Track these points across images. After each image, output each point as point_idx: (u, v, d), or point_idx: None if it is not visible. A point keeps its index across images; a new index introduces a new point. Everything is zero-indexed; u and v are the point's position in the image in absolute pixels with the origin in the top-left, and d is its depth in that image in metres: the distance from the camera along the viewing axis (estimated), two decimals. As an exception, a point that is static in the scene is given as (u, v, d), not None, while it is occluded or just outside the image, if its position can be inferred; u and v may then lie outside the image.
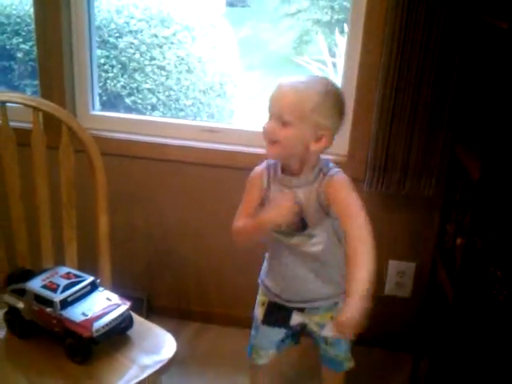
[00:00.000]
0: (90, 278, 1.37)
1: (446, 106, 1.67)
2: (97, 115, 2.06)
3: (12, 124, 1.43)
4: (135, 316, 1.39)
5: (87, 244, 1.50)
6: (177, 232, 2.07)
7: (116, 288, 1.46)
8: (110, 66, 2.90)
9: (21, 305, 1.33)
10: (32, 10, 1.93)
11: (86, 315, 1.27)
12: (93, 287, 1.36)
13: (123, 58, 2.90)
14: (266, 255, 1.47)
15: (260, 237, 1.34)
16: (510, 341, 1.36)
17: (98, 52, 2.72)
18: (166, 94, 3.01)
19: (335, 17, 4.12)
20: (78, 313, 1.27)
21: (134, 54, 2.92)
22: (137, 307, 1.60)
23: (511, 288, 1.33)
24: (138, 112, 2.96)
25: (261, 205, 1.34)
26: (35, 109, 1.46)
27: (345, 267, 1.31)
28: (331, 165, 1.32)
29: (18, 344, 1.34)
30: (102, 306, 1.31)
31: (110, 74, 2.91)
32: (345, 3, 3.87)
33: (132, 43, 2.91)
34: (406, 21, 1.61)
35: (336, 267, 1.39)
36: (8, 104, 1.43)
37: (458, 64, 1.63)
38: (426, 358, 1.78)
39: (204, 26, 3.15)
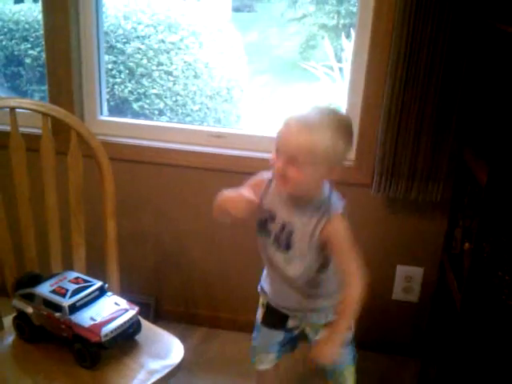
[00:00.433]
0: (99, 283, 1.38)
1: (454, 111, 1.67)
2: (104, 120, 2.07)
3: (21, 130, 1.44)
4: (143, 321, 1.39)
5: (95, 249, 1.51)
6: (184, 237, 2.08)
7: (124, 293, 1.47)
8: (118, 71, 2.92)
9: (30, 310, 1.34)
10: (40, 16, 1.95)
11: (95, 320, 1.27)
12: (101, 292, 1.37)
13: (131, 64, 2.92)
14: None
15: (229, 212, 1.30)
16: (518, 346, 1.35)
17: (106, 57, 2.74)
18: (173, 99, 3.02)
19: (341, 21, 4.12)
20: (86, 318, 1.28)
21: (141, 59, 2.93)
22: (144, 312, 1.61)
23: (520, 293, 1.33)
24: (146, 117, 2.97)
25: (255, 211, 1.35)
26: (44, 114, 1.47)
27: (336, 280, 1.35)
28: (334, 199, 1.30)
29: (26, 349, 1.34)
30: (110, 310, 1.32)
31: (118, 80, 2.92)
32: (351, 8, 3.88)
33: (139, 49, 2.93)
34: (413, 26, 1.60)
35: (322, 290, 1.39)
36: (17, 110, 1.44)
37: (465, 69, 1.63)
38: (434, 363, 1.77)
39: (211, 31, 3.17)
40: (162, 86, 2.99)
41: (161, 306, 2.16)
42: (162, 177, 2.02)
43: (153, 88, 2.97)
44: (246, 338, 1.60)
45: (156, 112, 3.01)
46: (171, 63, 2.98)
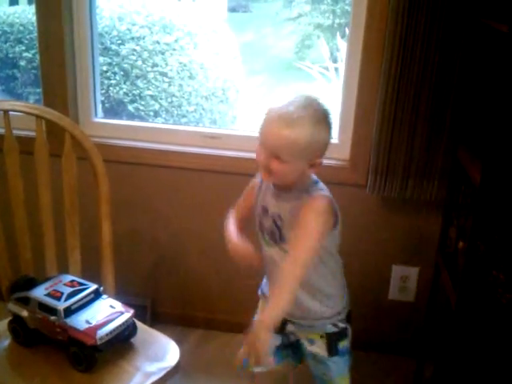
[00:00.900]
0: (94, 286, 1.38)
1: (447, 110, 1.67)
2: (99, 122, 2.07)
3: (15, 132, 1.44)
4: (139, 323, 1.39)
5: (91, 252, 1.50)
6: (180, 238, 2.08)
7: (120, 295, 1.46)
8: (113, 73, 2.92)
9: (25, 313, 1.33)
10: (35, 18, 1.95)
11: (90, 323, 1.27)
12: (96, 295, 1.37)
13: (125, 65, 2.92)
14: None
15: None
16: (513, 345, 1.35)
17: (101, 59, 2.74)
18: (169, 100, 3.02)
19: (337, 21, 4.13)
20: (81, 321, 1.28)
21: (136, 60, 2.93)
22: (140, 314, 1.61)
23: (514, 292, 1.33)
24: (141, 119, 2.97)
25: (254, 211, 1.38)
26: (38, 117, 1.47)
27: (335, 283, 1.36)
28: (320, 185, 1.31)
29: (22, 352, 1.34)
30: (105, 313, 1.32)
31: (113, 81, 2.92)
32: (346, 7, 3.88)
33: (134, 50, 2.93)
34: (406, 25, 1.61)
35: (323, 282, 1.36)
36: (11, 112, 1.44)
37: (458, 67, 1.63)
38: (430, 362, 1.78)
39: (206, 31, 3.17)
40: (157, 87, 2.99)
41: (157, 308, 2.16)
42: (157, 178, 2.02)
43: (148, 89, 2.97)
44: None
45: (151, 113, 3.01)
46: (166, 64, 2.98)
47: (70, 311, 1.29)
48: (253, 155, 1.77)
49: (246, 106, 3.55)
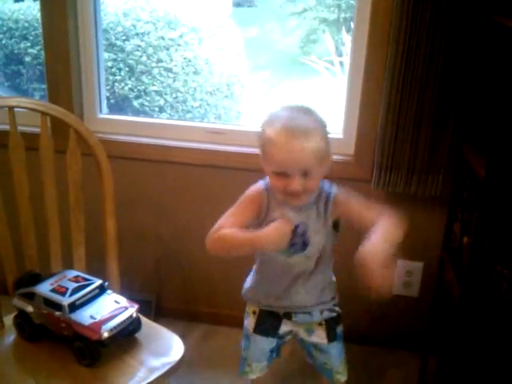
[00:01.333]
0: (98, 281, 1.38)
1: (452, 105, 1.67)
2: (104, 118, 2.07)
3: (20, 128, 1.45)
4: (143, 318, 1.40)
5: (95, 247, 1.51)
6: (185, 234, 2.08)
7: (124, 290, 1.47)
8: (118, 68, 2.92)
9: (30, 308, 1.34)
10: (39, 14, 1.95)
11: (95, 318, 1.28)
12: (101, 290, 1.38)
13: (130, 61, 2.92)
14: (255, 267, 1.47)
15: (244, 252, 1.31)
16: (518, 340, 1.35)
17: (106, 55, 2.74)
18: (174, 95, 3.02)
19: (342, 15, 4.11)
20: (86, 316, 1.29)
21: (141, 56, 2.93)
22: (145, 309, 1.62)
23: (519, 287, 1.32)
24: (146, 114, 2.97)
25: (258, 224, 1.31)
26: (43, 113, 1.47)
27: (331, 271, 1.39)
28: (328, 184, 1.33)
29: (27, 347, 1.35)
30: (110, 308, 1.32)
31: (118, 77, 2.93)
32: (351, 1, 3.86)
33: (139, 46, 2.93)
34: (411, 19, 1.60)
35: (326, 275, 1.40)
36: (16, 109, 1.44)
37: (463, 63, 1.62)
38: (434, 357, 1.78)
39: (211, 27, 3.16)
40: (162, 82, 2.99)
41: (161, 303, 2.17)
42: (162, 174, 2.02)
43: (153, 85, 2.97)
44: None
45: (156, 109, 3.01)
46: (171, 60, 2.98)
47: (74, 306, 1.30)
48: (258, 150, 1.77)
49: (251, 102, 3.54)
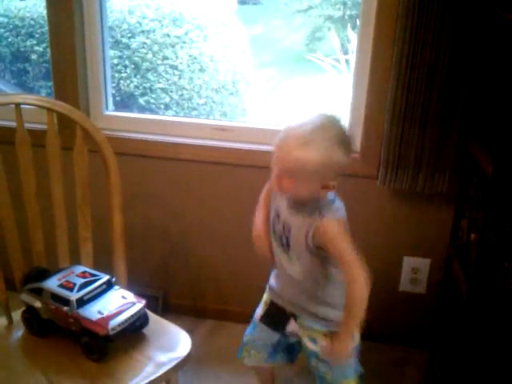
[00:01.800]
0: (106, 277, 1.39)
1: (459, 102, 1.66)
2: (110, 115, 2.08)
3: (27, 125, 1.45)
4: (150, 314, 1.40)
5: (102, 243, 1.51)
6: (192, 230, 2.09)
7: (131, 286, 1.48)
8: (123, 66, 2.93)
9: (38, 304, 1.35)
10: (45, 12, 1.95)
11: (102, 313, 1.28)
12: (108, 286, 1.38)
13: (136, 58, 2.93)
14: None
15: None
16: (525, 336, 1.35)
17: (111, 52, 2.75)
18: (179, 93, 3.03)
19: (348, 12, 4.10)
20: (94, 311, 1.29)
21: (146, 53, 2.94)
22: (152, 305, 1.62)
23: (526, 283, 1.32)
24: (152, 112, 2.98)
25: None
26: (50, 110, 1.47)
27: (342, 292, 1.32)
28: (335, 205, 1.29)
29: (35, 342, 1.36)
30: (117, 304, 1.33)
31: (123, 75, 2.93)
32: (357, -2, 3.86)
33: (144, 43, 2.93)
34: (418, 15, 1.59)
35: (326, 295, 1.37)
36: (23, 106, 1.45)
37: (470, 59, 1.61)
38: (441, 353, 1.77)
39: (216, 24, 3.16)
40: (168, 80, 2.99)
41: (169, 299, 2.17)
42: (168, 171, 2.03)
43: (158, 82, 2.98)
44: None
45: (162, 106, 3.01)
46: (176, 57, 2.98)
47: (82, 302, 1.30)
48: (264, 147, 1.78)
49: (256, 99, 3.54)
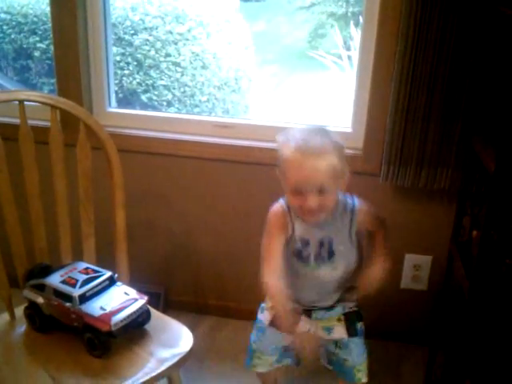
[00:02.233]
0: (108, 273, 1.39)
1: (462, 99, 1.66)
2: (113, 112, 2.08)
3: (30, 122, 1.45)
4: (153, 310, 1.41)
5: (105, 239, 1.52)
6: (194, 227, 2.09)
7: (134, 283, 1.48)
8: (126, 63, 2.93)
9: (40, 300, 1.36)
10: (48, 9, 1.96)
11: (105, 309, 1.29)
12: (111, 282, 1.39)
13: (139, 55, 2.93)
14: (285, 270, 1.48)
15: None
16: (527, 334, 1.35)
17: (114, 49, 2.75)
18: (182, 90, 3.02)
19: (350, 9, 4.09)
20: (96, 307, 1.30)
21: (149, 50, 2.94)
22: (154, 302, 1.62)
23: (528, 281, 1.32)
24: (154, 108, 2.98)
25: (286, 243, 1.37)
26: (53, 107, 1.47)
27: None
28: (350, 197, 1.39)
29: (37, 338, 1.37)
30: (119, 300, 1.33)
31: (126, 71, 2.93)
32: (360, -4, 3.85)
33: (147, 40, 2.93)
34: (421, 12, 1.59)
35: (352, 280, 1.43)
36: (26, 102, 1.45)
37: (473, 56, 1.61)
38: (442, 351, 1.77)
39: (219, 21, 3.16)
40: (170, 77, 2.99)
41: (170, 295, 2.18)
42: (170, 168, 2.03)
43: (161, 79, 2.98)
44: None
45: (164, 103, 3.01)
46: (179, 54, 2.98)
47: (84, 298, 1.31)
48: (266, 144, 1.77)
49: (259, 96, 3.54)
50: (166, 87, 2.99)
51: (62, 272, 1.39)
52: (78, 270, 1.40)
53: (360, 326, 1.47)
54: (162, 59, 2.96)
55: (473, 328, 1.41)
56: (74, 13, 1.91)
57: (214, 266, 2.14)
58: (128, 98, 2.97)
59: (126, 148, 1.84)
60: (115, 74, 2.63)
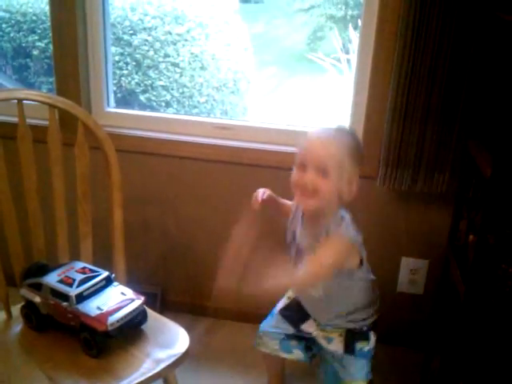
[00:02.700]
0: (105, 273, 1.39)
1: (459, 103, 1.67)
2: (111, 112, 2.08)
3: (28, 121, 1.45)
4: (149, 311, 1.41)
5: (102, 239, 1.52)
6: (191, 228, 2.09)
7: (130, 283, 1.48)
8: (125, 63, 2.92)
9: (37, 299, 1.35)
10: (48, 7, 1.96)
11: (101, 309, 1.29)
12: (108, 282, 1.38)
13: (137, 56, 2.93)
14: None
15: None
16: (522, 338, 1.35)
17: (113, 49, 2.74)
18: (180, 91, 3.02)
19: (349, 12, 4.09)
20: (93, 307, 1.30)
21: (148, 51, 2.94)
22: (151, 302, 1.62)
23: (524, 285, 1.33)
24: (152, 109, 2.97)
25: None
26: (51, 106, 1.48)
27: (359, 299, 1.44)
28: (345, 222, 1.34)
29: (34, 337, 1.36)
30: (116, 300, 1.33)
31: (125, 72, 2.93)
32: (359, -2, 3.85)
33: (146, 40, 2.93)
34: (419, 16, 1.60)
35: (344, 306, 1.44)
36: (25, 101, 1.45)
37: (471, 61, 1.62)
38: (437, 355, 1.78)
39: (218, 22, 3.16)
40: (169, 77, 2.99)
41: (167, 296, 2.18)
42: (168, 168, 2.03)
43: (159, 80, 2.98)
44: (252, 329, 1.62)
45: (163, 104, 3.01)
46: (178, 55, 2.98)
47: (81, 297, 1.31)
48: (264, 146, 1.78)
49: (257, 97, 3.54)
50: (164, 88, 2.99)
51: (59, 271, 1.39)
52: (75, 269, 1.40)
53: (361, 346, 1.47)
54: (160, 59, 2.96)
55: (469, 332, 1.42)
56: (73, 12, 1.91)
57: (210, 268, 2.12)
58: (126, 98, 2.97)
59: (124, 148, 1.85)
60: (114, 73, 2.62)
